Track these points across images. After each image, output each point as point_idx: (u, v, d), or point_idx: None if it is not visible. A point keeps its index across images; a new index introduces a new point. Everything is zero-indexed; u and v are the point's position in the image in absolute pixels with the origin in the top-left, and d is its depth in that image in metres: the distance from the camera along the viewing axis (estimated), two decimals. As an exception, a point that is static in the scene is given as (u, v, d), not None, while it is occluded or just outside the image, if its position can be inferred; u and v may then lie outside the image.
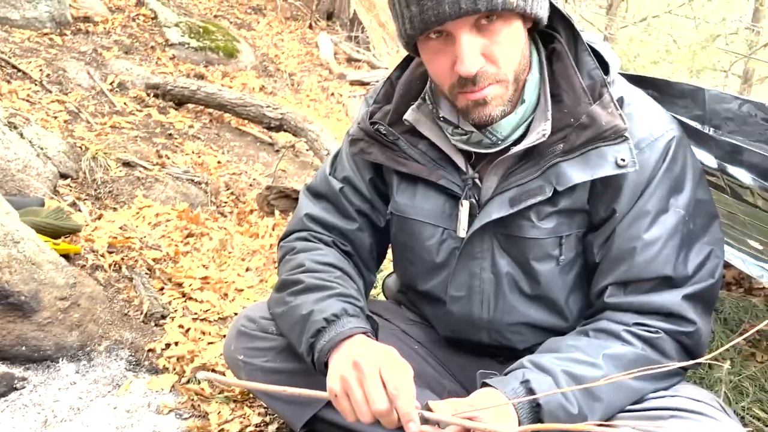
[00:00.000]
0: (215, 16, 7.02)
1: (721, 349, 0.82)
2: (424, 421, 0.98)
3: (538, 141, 1.13)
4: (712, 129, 1.31)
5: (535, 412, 1.04)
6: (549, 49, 1.20)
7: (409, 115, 1.24)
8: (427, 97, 1.25)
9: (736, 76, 11.79)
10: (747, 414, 1.62)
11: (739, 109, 1.25)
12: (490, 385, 1.08)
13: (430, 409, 0.99)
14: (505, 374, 1.12)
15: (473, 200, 1.23)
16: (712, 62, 10.95)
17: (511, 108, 1.14)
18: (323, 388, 1.10)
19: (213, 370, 1.78)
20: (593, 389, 1.06)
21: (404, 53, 1.31)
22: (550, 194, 1.15)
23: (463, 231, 1.24)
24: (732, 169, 1.36)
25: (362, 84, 6.43)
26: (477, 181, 1.22)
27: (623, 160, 1.10)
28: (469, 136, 1.19)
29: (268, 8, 7.95)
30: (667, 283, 1.14)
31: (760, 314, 2.03)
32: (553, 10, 1.17)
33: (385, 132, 1.27)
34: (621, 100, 1.14)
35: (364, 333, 1.14)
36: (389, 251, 1.48)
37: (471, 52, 1.05)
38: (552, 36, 1.20)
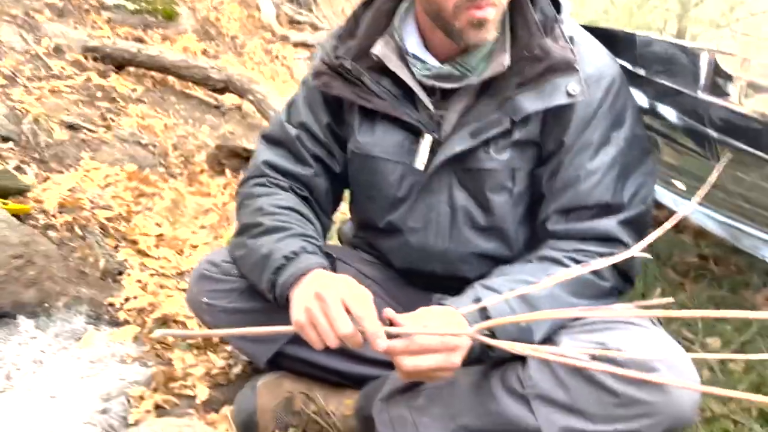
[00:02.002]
0: (150, -21, 6.79)
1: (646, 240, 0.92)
2: (389, 336, 1.06)
3: (499, 71, 1.21)
4: (643, 70, 1.41)
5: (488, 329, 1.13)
6: None
7: (376, 49, 1.28)
8: (395, 34, 1.30)
9: (670, 35, 12.19)
10: (677, 336, 1.78)
11: (665, 52, 1.35)
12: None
13: (392, 324, 1.07)
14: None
15: (435, 135, 1.29)
16: (647, 21, 11.27)
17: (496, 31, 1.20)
18: (287, 323, 1.17)
19: (174, 321, 1.82)
20: (537, 306, 1.16)
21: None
22: (509, 125, 1.23)
23: (421, 164, 1.30)
24: (662, 108, 1.48)
25: (306, 46, 6.39)
26: (439, 117, 1.29)
27: (574, 90, 1.19)
28: (438, 71, 1.25)
29: (205, -30, 7.73)
30: (606, 210, 1.24)
31: (688, 248, 2.20)
32: None
33: (349, 67, 1.30)
34: (571, 39, 1.22)
35: (322, 268, 1.21)
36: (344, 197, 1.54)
37: None
38: None
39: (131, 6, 5.57)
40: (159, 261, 2.13)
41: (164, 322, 1.81)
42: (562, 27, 1.22)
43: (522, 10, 1.23)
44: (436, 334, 1.06)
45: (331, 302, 1.09)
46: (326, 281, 1.15)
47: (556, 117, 1.23)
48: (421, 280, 1.46)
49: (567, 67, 1.18)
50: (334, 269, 1.27)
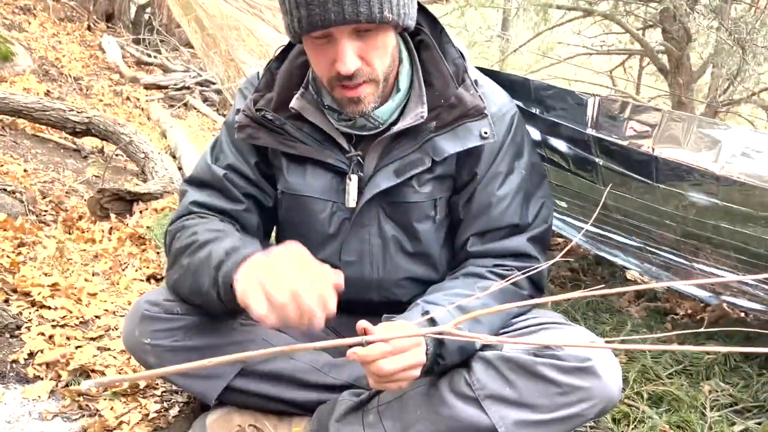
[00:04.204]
0: (-23, 16, 6.30)
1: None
2: (367, 343, 1.14)
3: (416, 122, 1.35)
4: (537, 110, 1.65)
5: (437, 339, 1.25)
6: (416, 40, 1.42)
7: (294, 103, 1.37)
8: (310, 87, 1.40)
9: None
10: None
11: (556, 95, 1.59)
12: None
13: (365, 333, 1.16)
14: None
15: (359, 174, 1.41)
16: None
17: (382, 101, 1.34)
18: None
19: (92, 370, 1.75)
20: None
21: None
22: (430, 164, 1.38)
23: (353, 202, 1.41)
24: (553, 141, 1.73)
25: (159, 87, 6.23)
26: (360, 158, 1.41)
27: (485, 132, 1.36)
28: (354, 121, 1.36)
29: (38, 8, 7.30)
30: (516, 229, 1.43)
31: (560, 263, 2.51)
32: (417, 6, 1.38)
33: (271, 117, 1.38)
34: (476, 83, 1.41)
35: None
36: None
37: (350, 54, 1.22)
38: (418, 28, 1.39)
39: (-40, 45, 5.14)
40: (57, 311, 2.01)
41: (82, 372, 1.73)
42: (470, 75, 1.40)
43: (436, 64, 1.38)
44: (413, 335, 1.16)
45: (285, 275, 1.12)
46: (275, 256, 1.17)
47: (469, 153, 1.39)
48: (357, 307, 1.54)
49: (478, 113, 1.35)
50: None
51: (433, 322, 1.25)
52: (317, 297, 1.11)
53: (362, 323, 1.18)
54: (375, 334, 1.17)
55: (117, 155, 4.02)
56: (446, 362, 1.29)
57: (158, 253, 2.55)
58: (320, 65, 1.28)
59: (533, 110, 1.67)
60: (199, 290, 1.28)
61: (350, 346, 1.15)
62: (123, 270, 2.41)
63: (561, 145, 1.71)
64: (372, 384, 1.21)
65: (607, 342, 1.26)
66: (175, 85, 6.24)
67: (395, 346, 1.16)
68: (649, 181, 1.49)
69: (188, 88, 6.30)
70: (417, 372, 1.20)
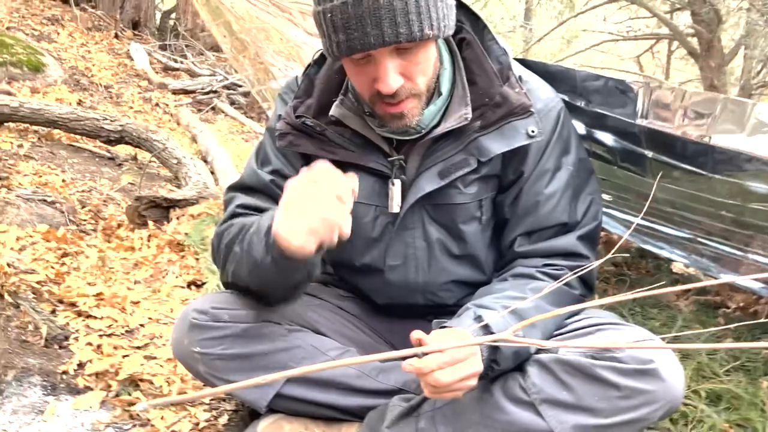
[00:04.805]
0: (8, 29, 6.40)
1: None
2: (423, 354, 1.12)
3: (461, 124, 1.32)
4: (582, 102, 1.60)
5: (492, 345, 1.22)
6: (458, 38, 1.39)
7: (334, 111, 1.35)
8: (349, 93, 1.38)
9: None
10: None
11: (604, 85, 1.54)
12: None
13: (420, 344, 1.14)
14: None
15: (402, 178, 1.39)
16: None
17: (425, 107, 1.31)
18: (282, 367, 1.17)
19: (141, 380, 1.75)
20: (527, 317, 1.27)
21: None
22: (476, 165, 1.34)
23: (396, 207, 1.39)
24: (598, 134, 1.68)
25: (186, 92, 6.28)
26: (402, 162, 1.38)
27: (533, 131, 1.32)
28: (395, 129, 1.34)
29: (65, 18, 7.41)
30: (564, 228, 1.39)
31: (601, 257, 2.44)
32: (457, 3, 1.34)
33: (311, 124, 1.37)
34: (520, 79, 1.37)
35: None
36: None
37: (392, 74, 1.20)
38: (459, 26, 1.35)
39: (-7, 58, 5.23)
40: (103, 321, 2.03)
41: (131, 382, 1.74)
42: (514, 72, 1.36)
43: (480, 63, 1.35)
44: (469, 344, 1.13)
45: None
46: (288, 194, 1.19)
47: (515, 151, 1.35)
48: (401, 311, 1.53)
49: (524, 111, 1.31)
50: None
51: (487, 328, 1.22)
52: (338, 212, 1.13)
53: (416, 334, 1.16)
54: (430, 345, 1.15)
55: (150, 162, 4.05)
56: (501, 368, 1.26)
57: (197, 259, 2.56)
58: (361, 84, 1.27)
59: (578, 103, 1.62)
60: (256, 264, 1.27)
61: (405, 358, 1.13)
62: (163, 277, 2.42)
63: (607, 138, 1.66)
64: (428, 394, 1.19)
65: (667, 343, 1.22)
66: (202, 89, 6.30)
67: (452, 356, 1.13)
68: (704, 172, 1.43)
69: (215, 91, 6.35)
70: (474, 381, 1.18)
